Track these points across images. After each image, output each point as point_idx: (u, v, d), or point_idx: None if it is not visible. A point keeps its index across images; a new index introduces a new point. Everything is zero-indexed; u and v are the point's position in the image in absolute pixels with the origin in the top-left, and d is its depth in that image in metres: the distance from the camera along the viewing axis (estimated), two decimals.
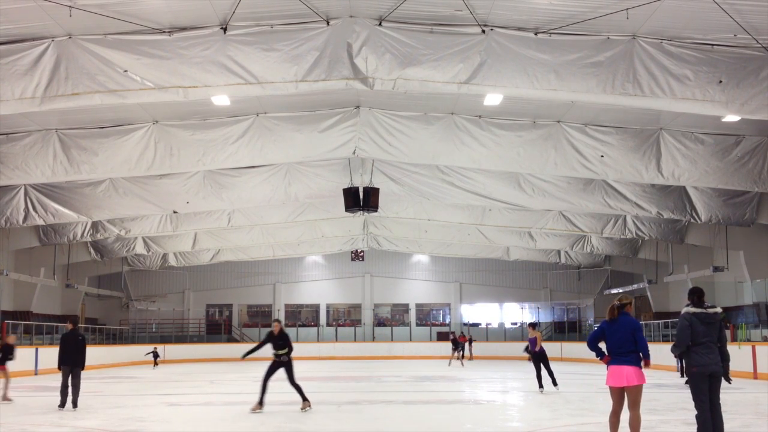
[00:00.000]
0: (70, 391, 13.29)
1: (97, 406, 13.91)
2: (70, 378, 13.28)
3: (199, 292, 43.87)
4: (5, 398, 15.01)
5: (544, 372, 16.93)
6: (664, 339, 28.91)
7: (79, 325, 14.62)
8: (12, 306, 30.98)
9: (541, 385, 16.90)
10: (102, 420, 11.85)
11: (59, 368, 13.33)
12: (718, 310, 7.71)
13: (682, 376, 21.82)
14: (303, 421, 11.85)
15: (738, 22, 11.43)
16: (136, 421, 11.70)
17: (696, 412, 7.63)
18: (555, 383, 16.85)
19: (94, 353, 28.80)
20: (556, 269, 42.53)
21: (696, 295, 7.73)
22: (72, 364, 13.24)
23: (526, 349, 17.49)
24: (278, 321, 13.34)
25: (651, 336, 30.17)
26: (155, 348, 32.04)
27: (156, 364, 31.71)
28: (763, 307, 24.62)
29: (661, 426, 10.79)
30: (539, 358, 16.94)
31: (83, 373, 13.66)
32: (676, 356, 22.29)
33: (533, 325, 17.78)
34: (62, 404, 13.29)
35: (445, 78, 12.83)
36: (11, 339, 16.41)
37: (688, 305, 7.72)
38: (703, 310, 7.60)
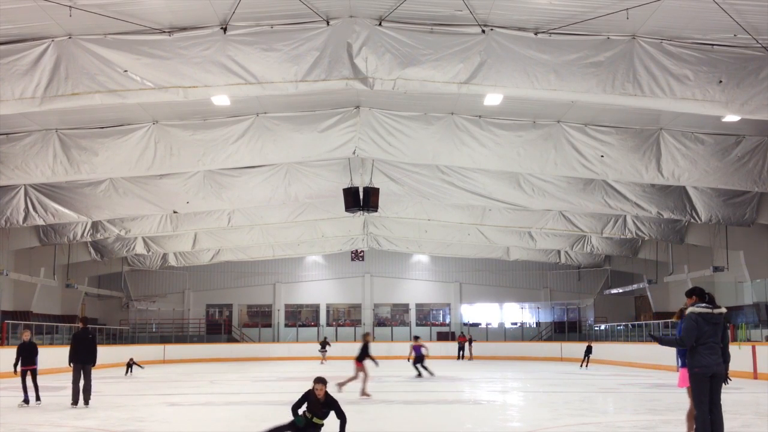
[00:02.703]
0: (81, 389, 13.51)
1: (97, 406, 13.90)
2: (81, 376, 13.55)
3: (199, 292, 43.86)
4: (364, 393, 15.56)
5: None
6: None
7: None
8: (12, 306, 30.98)
9: (420, 375, 23.01)
10: (102, 420, 11.85)
11: (69, 365, 13.65)
12: (723, 310, 7.73)
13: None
14: None
15: (738, 22, 11.43)
16: (136, 421, 11.70)
17: (695, 412, 7.65)
18: (421, 375, 23.07)
19: None
20: (556, 269, 42.51)
21: (701, 294, 7.79)
22: (83, 362, 13.57)
23: (418, 359, 23.72)
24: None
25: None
26: (131, 359, 26.37)
27: (129, 372, 25.92)
28: (763, 307, 24.61)
29: (661, 426, 10.80)
30: (422, 359, 23.69)
31: (93, 372, 14.01)
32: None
33: (417, 337, 25.29)
34: (75, 402, 13.47)
35: (445, 78, 12.82)
36: (369, 338, 16.86)
37: (692, 305, 7.74)
38: (709, 311, 7.62)
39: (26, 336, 14.60)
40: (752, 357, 21.14)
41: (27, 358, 14.16)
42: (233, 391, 18.47)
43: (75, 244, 31.04)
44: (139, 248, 32.12)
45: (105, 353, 32.34)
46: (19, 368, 14.09)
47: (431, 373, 23.30)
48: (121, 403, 15.06)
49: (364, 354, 16.10)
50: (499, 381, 22.37)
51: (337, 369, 22.91)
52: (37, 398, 14.05)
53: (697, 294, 7.80)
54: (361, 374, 15.92)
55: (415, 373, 23.48)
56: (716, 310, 7.65)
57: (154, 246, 32.37)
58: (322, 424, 8.36)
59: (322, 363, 33.24)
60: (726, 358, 7.69)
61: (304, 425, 8.22)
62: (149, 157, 17.66)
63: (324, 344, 34.89)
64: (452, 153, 18.45)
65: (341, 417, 8.20)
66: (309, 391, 8.31)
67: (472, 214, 27.98)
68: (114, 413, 12.87)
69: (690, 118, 16.26)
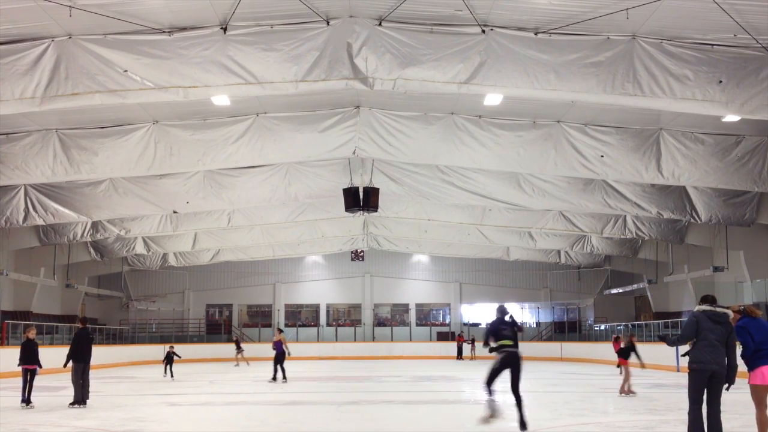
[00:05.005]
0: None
1: (97, 406, 13.91)
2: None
3: (199, 292, 43.87)
4: (630, 391, 16.01)
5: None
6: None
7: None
8: (12, 306, 30.98)
9: (275, 378, 21.01)
10: (102, 420, 11.85)
11: (65, 365, 13.68)
12: (729, 312, 7.81)
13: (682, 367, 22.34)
14: (303, 421, 11.86)
15: (738, 22, 11.43)
16: (136, 421, 11.70)
17: (688, 409, 7.68)
18: (285, 378, 20.93)
19: (94, 353, 28.78)
20: (556, 269, 42.52)
21: (708, 299, 7.94)
22: (84, 361, 13.67)
23: (278, 358, 21.18)
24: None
25: (651, 336, 30.18)
26: (171, 347, 24.80)
27: (170, 373, 23.77)
28: (763, 307, 24.61)
29: (661, 426, 10.80)
30: (282, 357, 21.12)
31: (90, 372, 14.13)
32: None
33: (281, 331, 22.77)
34: (76, 401, 13.51)
35: (445, 78, 12.82)
36: (634, 338, 17.45)
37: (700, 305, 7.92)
38: (712, 308, 7.70)
39: (31, 334, 14.58)
40: None
41: (26, 357, 14.14)
42: (233, 391, 18.47)
43: (75, 244, 31.04)
44: (139, 248, 32.12)
45: (105, 353, 32.42)
46: (20, 367, 14.11)
47: (285, 378, 20.92)
48: (121, 403, 15.07)
49: (629, 353, 16.78)
50: (499, 381, 22.34)
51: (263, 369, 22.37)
52: (28, 401, 13.79)
53: (704, 299, 7.96)
54: (625, 372, 16.48)
55: (271, 375, 21.21)
56: (720, 309, 7.75)
57: (154, 246, 32.38)
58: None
59: (237, 365, 31.28)
60: (731, 362, 7.68)
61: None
62: (149, 157, 17.66)
63: (237, 343, 32.73)
64: (452, 153, 18.46)
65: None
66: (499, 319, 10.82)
67: (472, 214, 27.97)
68: (114, 413, 12.88)
69: (690, 118, 16.26)
